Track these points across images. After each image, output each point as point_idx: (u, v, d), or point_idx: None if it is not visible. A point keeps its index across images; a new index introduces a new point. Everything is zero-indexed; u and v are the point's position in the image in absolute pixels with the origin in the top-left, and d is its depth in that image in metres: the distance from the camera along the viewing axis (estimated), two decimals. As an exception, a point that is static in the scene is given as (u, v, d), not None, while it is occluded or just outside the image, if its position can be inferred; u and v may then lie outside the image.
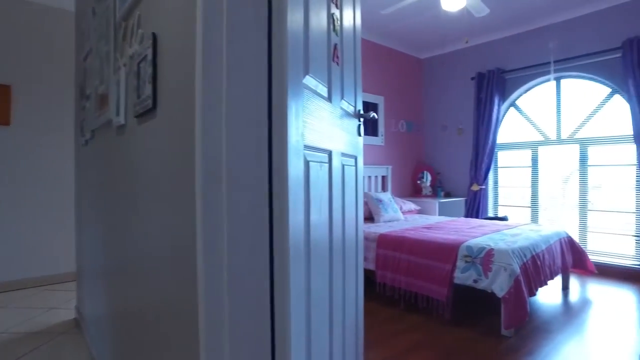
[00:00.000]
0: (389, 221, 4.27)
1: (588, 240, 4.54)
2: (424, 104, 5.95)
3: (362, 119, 1.87)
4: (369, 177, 5.05)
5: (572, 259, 3.66)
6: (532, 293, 2.87)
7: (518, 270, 2.69)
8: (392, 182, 5.39)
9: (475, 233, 3.36)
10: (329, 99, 1.52)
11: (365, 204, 4.37)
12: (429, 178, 5.66)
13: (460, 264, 2.91)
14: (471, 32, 4.99)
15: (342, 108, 1.64)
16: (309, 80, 1.29)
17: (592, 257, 4.11)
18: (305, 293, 1.22)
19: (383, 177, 5.28)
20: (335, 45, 1.61)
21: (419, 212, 5.04)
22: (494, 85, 4.99)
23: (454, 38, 5.21)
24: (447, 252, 3.00)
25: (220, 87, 1.02)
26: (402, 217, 4.42)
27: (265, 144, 1.13)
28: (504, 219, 4.86)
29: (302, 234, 1.22)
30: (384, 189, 5.26)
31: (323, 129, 1.40)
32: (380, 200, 4.33)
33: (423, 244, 3.18)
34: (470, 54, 5.40)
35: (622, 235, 4.36)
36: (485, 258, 2.79)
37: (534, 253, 3.00)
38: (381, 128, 5.29)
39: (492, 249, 2.81)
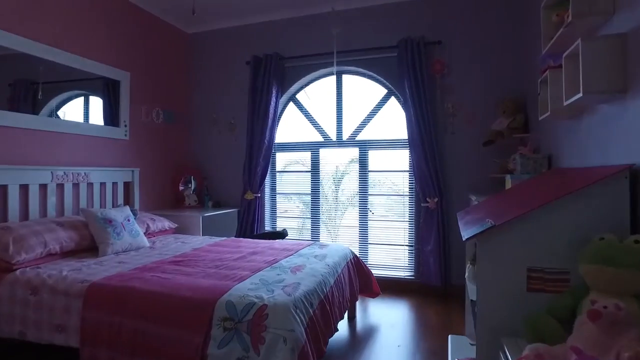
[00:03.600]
0: (124, 252, 2.83)
1: (369, 252, 4.14)
2: (191, 90, 4.69)
3: None
4: (103, 184, 3.46)
5: (359, 284, 3.03)
6: (322, 353, 1.98)
7: (303, 338, 1.72)
8: (141, 190, 3.92)
9: (243, 270, 2.29)
10: None
11: (86, 227, 2.81)
12: (195, 185, 4.44)
13: (216, 332, 1.76)
14: (248, 7, 4.02)
15: None
16: None
17: (373, 271, 3.66)
18: None
19: (127, 184, 3.76)
20: None
21: (177, 231, 3.74)
22: (271, 72, 4.13)
23: (228, 10, 4.13)
24: (196, 313, 1.82)
25: None
26: (146, 244, 3.04)
27: None
28: (282, 234, 4.04)
29: None
30: (127, 200, 3.74)
31: None
32: (109, 221, 2.84)
33: (159, 300, 1.92)
34: (246, 33, 4.43)
35: (398, 246, 4.09)
36: (254, 321, 1.73)
37: (322, 296, 2.13)
38: (124, 115, 3.75)
39: (264, 306, 1.77)
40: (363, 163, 4.14)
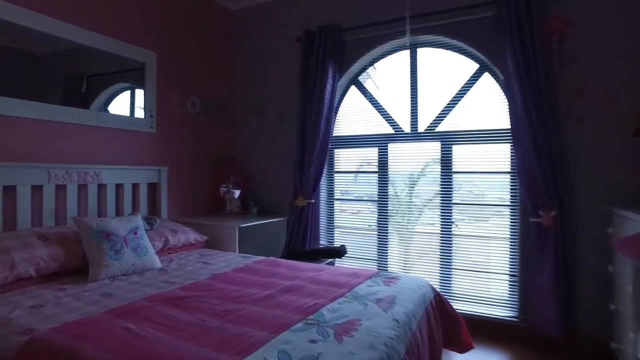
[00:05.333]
0: (124, 276, 2.15)
1: (452, 280, 3.14)
2: (234, 75, 4.01)
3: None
4: (120, 186, 2.85)
5: (443, 333, 2.08)
6: None
7: None
8: (170, 193, 3.28)
9: (261, 328, 1.43)
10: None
11: (80, 241, 2.17)
12: (239, 187, 3.73)
13: None
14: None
15: None
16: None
17: (457, 306, 2.69)
18: None
19: (152, 186, 3.13)
20: None
21: (207, 244, 3.04)
22: (327, 49, 3.30)
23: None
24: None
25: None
26: (157, 264, 2.33)
27: None
28: (340, 251, 3.20)
29: None
30: (153, 206, 3.12)
31: None
32: (107, 235, 2.17)
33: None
34: (298, 4, 3.65)
35: (494, 274, 3.04)
36: None
37: (385, 386, 1.23)
38: (150, 104, 3.13)
39: None
40: (446, 161, 3.15)
